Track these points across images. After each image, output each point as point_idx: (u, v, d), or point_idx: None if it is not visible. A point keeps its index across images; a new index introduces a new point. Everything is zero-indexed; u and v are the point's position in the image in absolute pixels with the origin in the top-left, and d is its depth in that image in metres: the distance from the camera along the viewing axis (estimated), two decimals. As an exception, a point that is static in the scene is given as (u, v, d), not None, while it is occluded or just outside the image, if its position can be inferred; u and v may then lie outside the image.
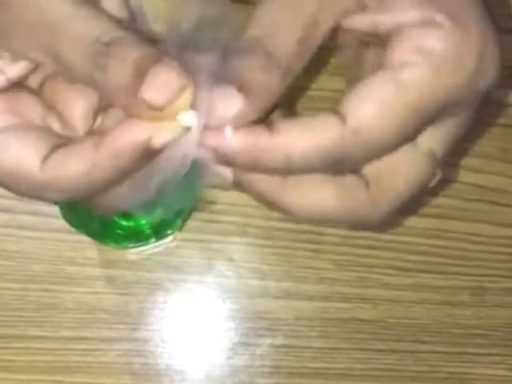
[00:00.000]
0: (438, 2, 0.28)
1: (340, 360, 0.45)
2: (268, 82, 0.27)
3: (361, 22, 0.29)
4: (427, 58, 0.27)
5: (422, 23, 0.28)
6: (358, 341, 0.45)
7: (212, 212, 0.44)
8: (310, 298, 0.45)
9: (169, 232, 0.43)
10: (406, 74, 0.27)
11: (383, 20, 0.29)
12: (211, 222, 0.44)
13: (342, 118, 0.27)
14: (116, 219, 0.42)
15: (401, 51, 0.28)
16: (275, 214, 0.44)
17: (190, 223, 0.44)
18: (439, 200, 0.46)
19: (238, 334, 0.45)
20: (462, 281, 0.46)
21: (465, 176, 0.46)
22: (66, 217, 0.41)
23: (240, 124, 0.27)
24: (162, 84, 0.26)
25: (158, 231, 0.42)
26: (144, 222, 0.42)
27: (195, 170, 0.40)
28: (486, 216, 0.46)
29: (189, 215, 0.43)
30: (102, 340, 0.44)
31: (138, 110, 0.26)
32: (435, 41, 0.28)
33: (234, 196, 0.45)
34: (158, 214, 0.42)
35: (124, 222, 0.42)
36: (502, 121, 0.47)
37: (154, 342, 0.44)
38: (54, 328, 0.44)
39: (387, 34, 0.29)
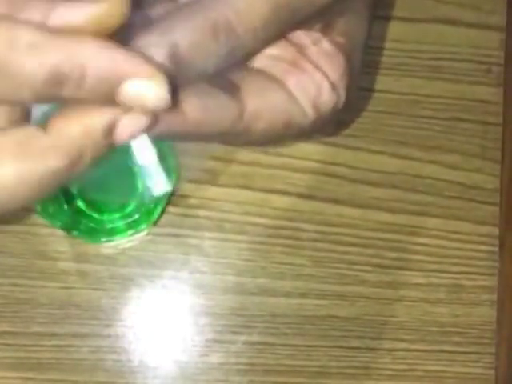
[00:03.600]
0: None
1: (316, 358, 0.44)
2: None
3: None
4: None
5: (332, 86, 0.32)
6: (335, 338, 0.45)
7: (187, 206, 0.44)
8: (287, 295, 0.44)
9: (143, 226, 0.42)
10: (296, 113, 0.31)
11: (313, 51, 0.32)
12: (186, 216, 0.44)
13: (241, 110, 0.29)
14: (88, 212, 0.41)
15: (300, 90, 0.31)
16: (252, 209, 0.44)
17: (165, 217, 0.43)
18: (418, 197, 0.46)
19: (212, 330, 0.44)
20: (440, 278, 0.45)
21: (443, 173, 0.46)
22: (37, 209, 0.40)
23: None
24: None
25: (132, 225, 0.42)
26: (118, 215, 0.42)
27: (167, 160, 0.40)
28: (464, 213, 0.46)
29: (163, 209, 0.43)
30: (75, 336, 0.43)
31: None
32: None
33: (210, 190, 0.44)
34: (131, 207, 0.42)
35: (96, 215, 0.41)
36: (479, 118, 0.47)
37: (128, 338, 0.44)
38: (25, 323, 0.43)
39: None
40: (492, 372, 0.45)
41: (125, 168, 0.38)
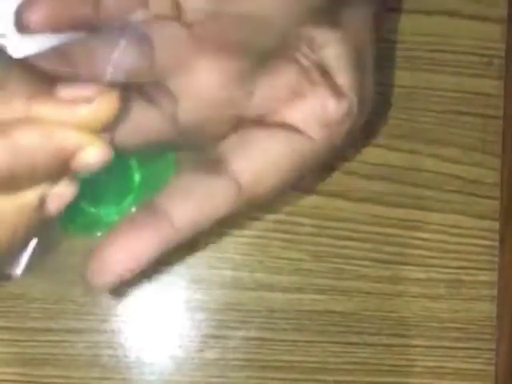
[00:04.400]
0: None
1: (314, 353, 0.44)
2: None
3: None
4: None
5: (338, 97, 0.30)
6: (333, 334, 0.44)
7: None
8: (284, 290, 0.44)
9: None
10: (304, 145, 0.30)
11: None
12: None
13: (238, 186, 0.28)
14: (84, 206, 0.41)
15: (299, 115, 0.30)
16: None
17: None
18: (417, 191, 0.45)
19: (209, 325, 0.43)
20: (439, 273, 0.45)
21: (443, 167, 0.45)
22: None
23: None
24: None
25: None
26: (114, 209, 0.41)
27: (162, 159, 0.40)
28: (464, 207, 0.45)
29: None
30: (70, 331, 0.43)
31: None
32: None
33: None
34: (128, 200, 0.41)
35: (92, 210, 0.41)
36: (480, 111, 0.46)
37: (124, 333, 0.43)
38: (19, 319, 0.42)
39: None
40: (492, 368, 0.45)
41: (120, 161, 0.37)
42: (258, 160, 0.29)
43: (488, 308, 0.45)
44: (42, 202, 0.26)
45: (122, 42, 0.27)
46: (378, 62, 0.45)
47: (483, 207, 0.45)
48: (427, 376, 0.45)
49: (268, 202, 0.30)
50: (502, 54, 0.46)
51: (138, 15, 0.29)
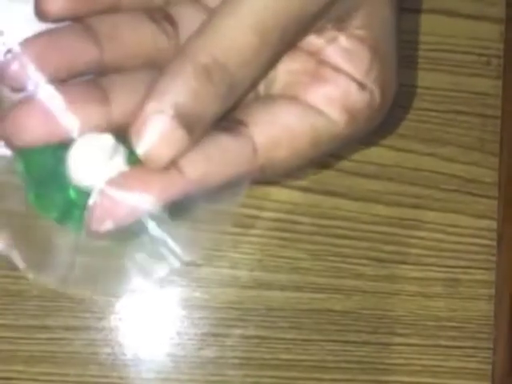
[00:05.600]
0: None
1: (312, 352, 0.44)
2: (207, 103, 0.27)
3: None
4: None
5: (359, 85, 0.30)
6: (331, 332, 0.44)
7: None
8: (283, 288, 0.44)
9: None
10: (322, 125, 0.29)
11: (330, 53, 0.30)
12: (182, 208, 0.43)
13: (253, 149, 0.28)
14: (82, 203, 0.41)
15: (321, 97, 0.30)
16: (248, 201, 0.44)
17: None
18: (415, 190, 0.45)
19: (207, 324, 0.43)
20: (437, 272, 0.45)
21: (441, 166, 0.46)
22: (31, 200, 0.39)
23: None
24: None
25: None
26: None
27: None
28: (461, 207, 0.45)
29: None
30: (67, 329, 0.43)
31: None
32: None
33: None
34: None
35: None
36: (478, 110, 0.46)
37: (121, 331, 0.43)
38: (16, 316, 0.42)
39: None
40: (489, 367, 0.45)
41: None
42: (276, 127, 0.29)
43: (485, 307, 0.45)
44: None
45: None
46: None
47: (481, 206, 0.45)
48: (424, 375, 0.45)
49: (281, 175, 0.31)
50: (501, 53, 0.46)
51: None
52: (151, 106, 0.26)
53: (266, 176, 0.30)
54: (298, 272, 0.44)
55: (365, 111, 0.30)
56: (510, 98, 0.46)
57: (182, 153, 0.26)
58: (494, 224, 0.45)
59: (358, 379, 0.44)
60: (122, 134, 0.27)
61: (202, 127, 0.26)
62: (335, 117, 0.30)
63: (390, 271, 0.45)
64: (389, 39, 0.31)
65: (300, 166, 0.30)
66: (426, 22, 0.46)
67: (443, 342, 0.45)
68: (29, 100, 0.27)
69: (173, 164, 0.27)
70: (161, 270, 0.30)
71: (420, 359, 0.45)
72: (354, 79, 0.30)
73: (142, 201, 0.26)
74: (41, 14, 0.28)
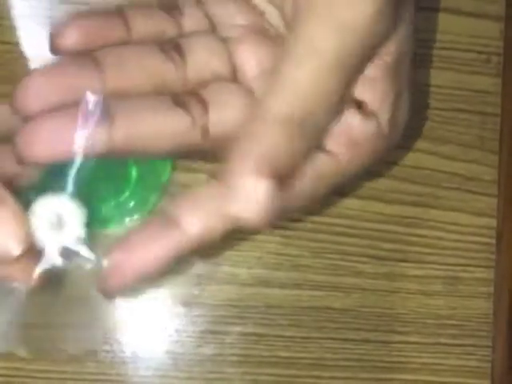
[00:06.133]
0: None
1: (312, 349, 0.44)
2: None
3: None
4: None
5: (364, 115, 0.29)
6: (331, 330, 0.44)
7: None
8: (282, 286, 0.44)
9: (138, 214, 0.41)
10: (326, 162, 0.29)
11: None
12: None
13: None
14: (84, 203, 0.40)
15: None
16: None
17: (161, 205, 0.42)
18: (415, 188, 0.45)
19: (206, 321, 0.43)
20: (437, 270, 0.45)
21: (441, 164, 0.45)
22: (33, 198, 0.39)
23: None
24: None
25: (127, 213, 0.41)
26: (112, 203, 0.41)
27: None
28: (461, 205, 0.45)
29: (159, 197, 0.42)
30: (66, 326, 0.42)
31: None
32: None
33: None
34: (126, 194, 0.41)
35: (92, 205, 0.40)
36: (478, 108, 0.46)
37: (120, 329, 0.43)
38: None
39: None
40: (488, 365, 0.45)
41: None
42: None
43: (485, 305, 0.45)
44: None
45: None
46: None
47: (481, 204, 0.45)
48: (423, 373, 0.45)
49: (288, 215, 0.31)
50: (501, 51, 0.46)
51: None
52: (243, 168, 0.26)
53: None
54: (297, 269, 0.44)
55: (370, 141, 0.30)
56: (510, 95, 0.46)
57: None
58: (493, 222, 0.45)
59: (358, 377, 0.44)
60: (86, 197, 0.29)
61: (288, 173, 0.27)
62: (341, 154, 0.29)
63: (390, 269, 0.44)
64: (406, 68, 0.31)
65: (302, 208, 0.30)
66: (426, 19, 0.46)
67: (443, 340, 0.45)
68: (39, 118, 0.27)
69: (174, 221, 0.27)
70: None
71: (419, 357, 0.45)
72: (357, 107, 0.29)
73: (145, 262, 0.27)
74: (55, 47, 0.29)
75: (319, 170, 0.29)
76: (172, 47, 0.30)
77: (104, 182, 0.41)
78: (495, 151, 0.46)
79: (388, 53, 0.29)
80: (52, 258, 0.28)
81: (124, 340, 0.43)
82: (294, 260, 0.44)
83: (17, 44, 0.42)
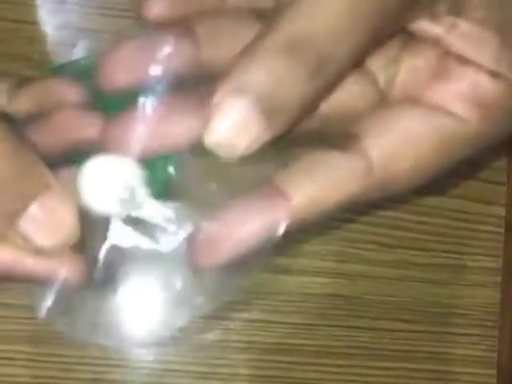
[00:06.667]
0: None
1: (316, 337, 0.43)
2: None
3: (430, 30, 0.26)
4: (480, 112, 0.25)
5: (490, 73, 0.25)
6: (336, 317, 0.44)
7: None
8: (287, 272, 0.43)
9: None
10: (451, 127, 0.25)
11: (452, 41, 0.26)
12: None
13: (368, 165, 0.25)
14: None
15: (446, 95, 0.26)
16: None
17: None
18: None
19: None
20: (444, 258, 0.45)
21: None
22: None
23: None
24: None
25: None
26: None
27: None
28: (470, 192, 0.45)
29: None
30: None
31: None
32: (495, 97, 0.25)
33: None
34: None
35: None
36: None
37: (123, 313, 0.42)
38: (16, 295, 0.41)
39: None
40: (494, 355, 0.44)
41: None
42: (395, 136, 0.25)
43: (492, 294, 0.45)
44: None
45: None
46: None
47: (490, 193, 0.45)
48: (428, 362, 0.44)
49: (406, 190, 0.26)
50: None
51: None
52: (226, 88, 0.22)
53: (387, 194, 0.26)
54: (303, 256, 0.43)
55: (502, 103, 0.26)
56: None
57: (261, 144, 0.23)
58: (502, 210, 0.45)
59: (362, 365, 0.44)
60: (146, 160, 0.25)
61: (287, 114, 0.23)
62: (466, 114, 0.25)
63: (397, 257, 0.44)
64: None
65: (432, 175, 0.26)
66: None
67: (448, 329, 0.44)
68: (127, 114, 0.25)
69: (276, 189, 0.24)
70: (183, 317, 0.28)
71: (425, 346, 0.44)
72: (483, 68, 0.25)
73: (248, 236, 0.24)
74: (142, 18, 0.27)
75: (445, 136, 0.25)
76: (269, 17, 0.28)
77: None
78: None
79: (477, 7, 0.25)
80: (121, 234, 0.25)
81: (128, 325, 0.42)
82: (300, 246, 0.43)
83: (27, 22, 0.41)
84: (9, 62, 0.41)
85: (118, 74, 0.26)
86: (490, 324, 0.45)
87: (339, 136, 0.26)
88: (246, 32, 0.24)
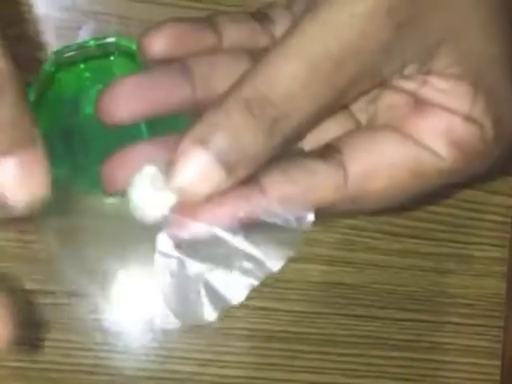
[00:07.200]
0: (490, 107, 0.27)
1: (321, 325, 0.43)
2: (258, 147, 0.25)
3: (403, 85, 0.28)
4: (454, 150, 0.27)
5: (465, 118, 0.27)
6: (341, 306, 0.43)
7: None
8: (293, 260, 0.43)
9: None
10: (426, 158, 0.27)
11: (426, 94, 0.28)
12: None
13: (344, 177, 0.27)
14: (90, 165, 0.40)
15: (424, 130, 0.27)
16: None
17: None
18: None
19: (215, 294, 0.42)
20: (450, 248, 0.44)
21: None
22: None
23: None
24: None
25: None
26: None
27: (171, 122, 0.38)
28: (477, 182, 0.45)
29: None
30: (72, 295, 0.41)
31: None
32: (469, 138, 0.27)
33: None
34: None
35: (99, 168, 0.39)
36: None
37: (127, 299, 0.42)
38: (18, 280, 0.41)
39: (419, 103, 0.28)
40: (499, 346, 0.44)
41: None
42: (374, 156, 0.27)
43: (498, 285, 0.44)
44: None
45: None
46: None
47: (497, 182, 0.45)
48: (434, 351, 0.44)
49: (376, 209, 0.28)
50: None
51: None
52: (192, 138, 0.24)
53: (359, 208, 0.28)
54: (309, 244, 0.43)
55: (476, 146, 0.27)
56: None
57: (222, 191, 0.25)
58: (509, 201, 0.45)
59: (367, 354, 0.43)
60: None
61: (246, 165, 0.25)
62: (441, 151, 0.27)
63: (403, 246, 0.44)
64: (494, 70, 0.28)
65: (402, 199, 0.28)
66: None
67: (454, 319, 0.44)
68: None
69: (254, 181, 0.26)
70: (238, 294, 0.30)
71: (430, 336, 0.44)
72: (457, 112, 0.27)
73: (220, 218, 0.26)
74: (145, 52, 0.29)
75: (420, 166, 0.27)
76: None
77: (117, 146, 0.40)
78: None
79: (450, 65, 0.27)
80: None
81: (131, 311, 0.42)
82: (305, 234, 0.43)
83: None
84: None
85: (118, 110, 0.28)
86: (495, 314, 0.44)
87: (322, 147, 0.28)
88: (240, 72, 0.26)
